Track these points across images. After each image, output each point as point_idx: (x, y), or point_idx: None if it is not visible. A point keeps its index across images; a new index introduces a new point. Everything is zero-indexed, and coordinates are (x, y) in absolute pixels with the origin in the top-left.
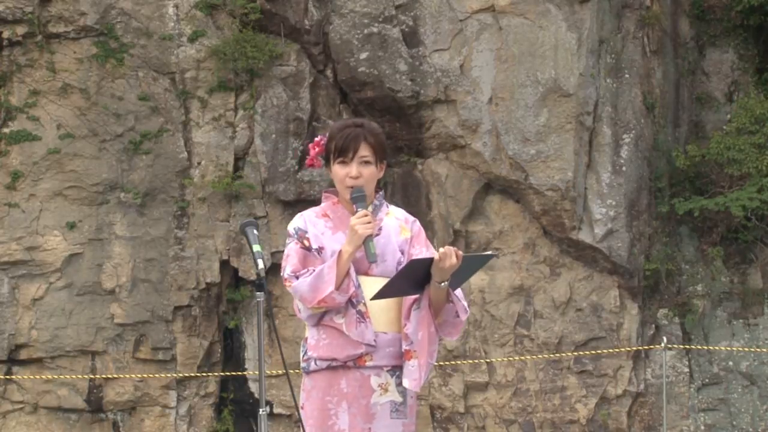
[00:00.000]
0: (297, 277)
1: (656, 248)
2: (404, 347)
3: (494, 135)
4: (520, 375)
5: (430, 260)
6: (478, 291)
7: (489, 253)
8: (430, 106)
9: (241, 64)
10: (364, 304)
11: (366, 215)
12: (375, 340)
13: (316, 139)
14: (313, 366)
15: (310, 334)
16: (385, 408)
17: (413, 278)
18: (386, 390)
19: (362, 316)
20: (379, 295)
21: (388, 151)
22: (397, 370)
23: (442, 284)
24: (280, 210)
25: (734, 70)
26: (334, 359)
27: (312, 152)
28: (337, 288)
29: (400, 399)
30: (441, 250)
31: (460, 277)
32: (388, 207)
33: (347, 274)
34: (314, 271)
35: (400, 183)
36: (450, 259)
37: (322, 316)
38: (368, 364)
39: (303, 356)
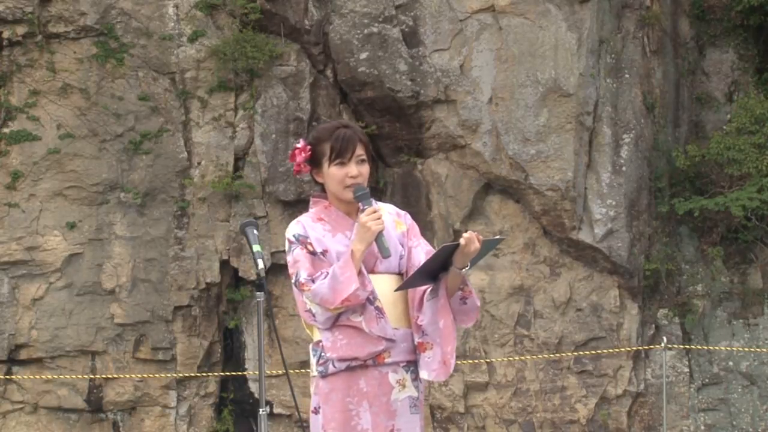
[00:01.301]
0: (313, 281)
1: (656, 248)
2: (417, 340)
3: (494, 135)
4: (520, 375)
5: (456, 245)
6: (478, 291)
7: (498, 237)
8: (430, 106)
9: (241, 64)
10: (379, 300)
11: (375, 211)
12: (395, 335)
13: (298, 146)
14: (331, 368)
15: (324, 336)
16: (405, 404)
17: (436, 266)
18: (404, 386)
19: (380, 312)
20: (406, 285)
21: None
22: (411, 365)
23: (463, 270)
24: (280, 210)
25: (734, 70)
26: (355, 358)
27: (299, 158)
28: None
29: (416, 394)
30: (465, 234)
31: (473, 262)
32: (376, 204)
33: (360, 272)
34: (328, 273)
35: (400, 183)
36: (474, 243)
37: (338, 317)
38: (387, 360)
39: (318, 360)
